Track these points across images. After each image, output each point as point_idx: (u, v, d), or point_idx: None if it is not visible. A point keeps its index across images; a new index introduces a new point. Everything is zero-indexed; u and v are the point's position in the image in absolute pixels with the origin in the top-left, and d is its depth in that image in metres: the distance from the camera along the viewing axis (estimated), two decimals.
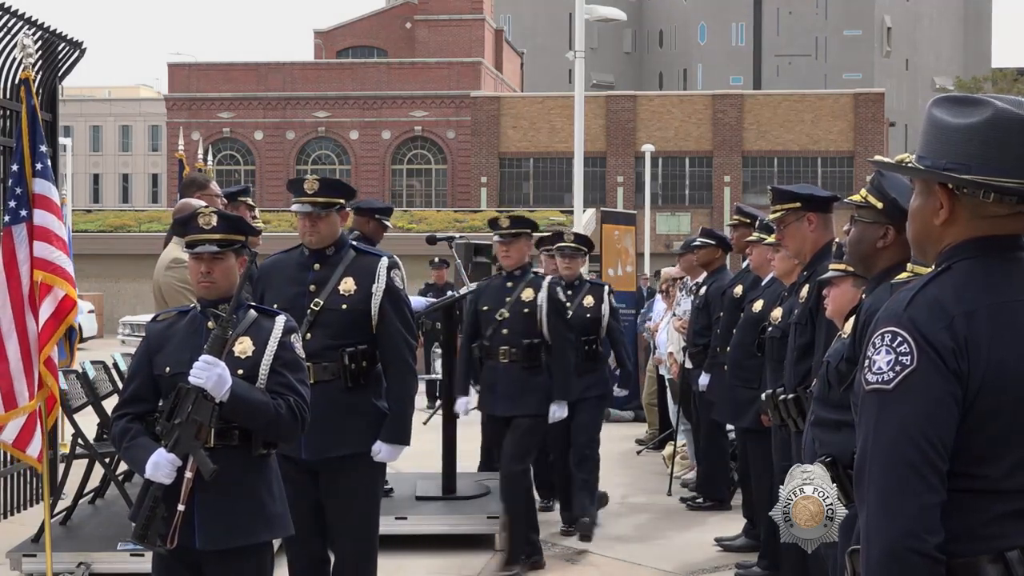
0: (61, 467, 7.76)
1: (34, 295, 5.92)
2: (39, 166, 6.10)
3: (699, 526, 8.15)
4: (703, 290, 8.50)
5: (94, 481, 7.55)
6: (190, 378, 3.68)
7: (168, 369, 3.83)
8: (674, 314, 9.90)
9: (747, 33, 69.07)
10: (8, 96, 8.00)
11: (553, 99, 47.10)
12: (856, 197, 3.82)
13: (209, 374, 3.67)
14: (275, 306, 4.55)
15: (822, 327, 4.63)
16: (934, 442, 2.07)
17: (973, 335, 2.10)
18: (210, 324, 3.82)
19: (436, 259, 16.18)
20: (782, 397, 4.98)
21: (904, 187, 3.57)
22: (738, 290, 7.53)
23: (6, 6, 7.71)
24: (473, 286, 7.52)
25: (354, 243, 5.16)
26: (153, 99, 67.68)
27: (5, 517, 8.01)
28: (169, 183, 48.91)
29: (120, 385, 7.49)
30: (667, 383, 10.62)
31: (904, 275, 3.35)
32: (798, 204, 5.11)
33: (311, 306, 4.89)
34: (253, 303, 4.18)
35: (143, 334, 4.04)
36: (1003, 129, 2.15)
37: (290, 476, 4.46)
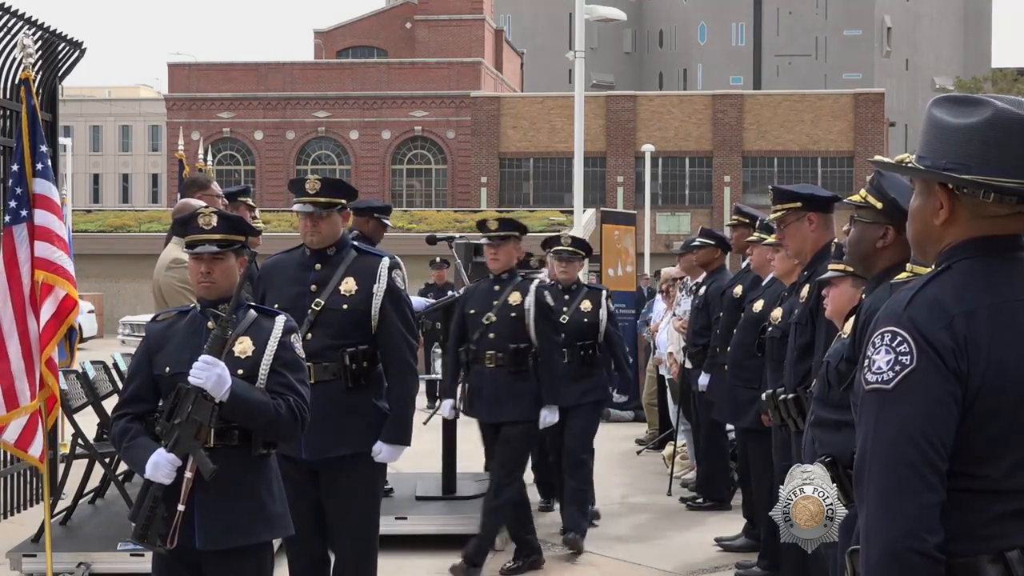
0: (61, 467, 7.76)
1: (35, 295, 5.92)
2: (39, 166, 6.10)
3: (699, 526, 8.15)
4: (703, 290, 8.50)
5: (94, 481, 7.55)
6: (190, 378, 3.69)
7: (168, 369, 3.83)
8: (674, 314, 9.90)
9: (747, 33, 69.05)
10: (8, 96, 8.00)
11: (553, 99, 47.09)
12: (856, 197, 3.82)
13: (209, 374, 3.67)
14: (276, 306, 4.56)
15: (822, 327, 4.63)
16: (934, 442, 2.07)
17: (973, 335, 2.10)
18: (210, 324, 3.83)
19: (436, 259, 16.17)
20: (782, 397, 4.99)
21: (904, 187, 3.57)
22: (738, 290, 7.53)
23: (6, 6, 7.71)
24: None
25: (355, 243, 5.16)
26: (153, 99, 67.68)
27: (5, 517, 8.01)
28: (169, 183, 48.90)
29: (120, 385, 7.48)
30: (667, 383, 10.62)
31: (904, 275, 3.35)
32: (799, 204, 5.11)
33: (312, 306, 4.89)
34: (253, 303, 4.19)
35: (143, 334, 4.05)
36: (1003, 129, 2.15)
37: (290, 476, 4.46)
